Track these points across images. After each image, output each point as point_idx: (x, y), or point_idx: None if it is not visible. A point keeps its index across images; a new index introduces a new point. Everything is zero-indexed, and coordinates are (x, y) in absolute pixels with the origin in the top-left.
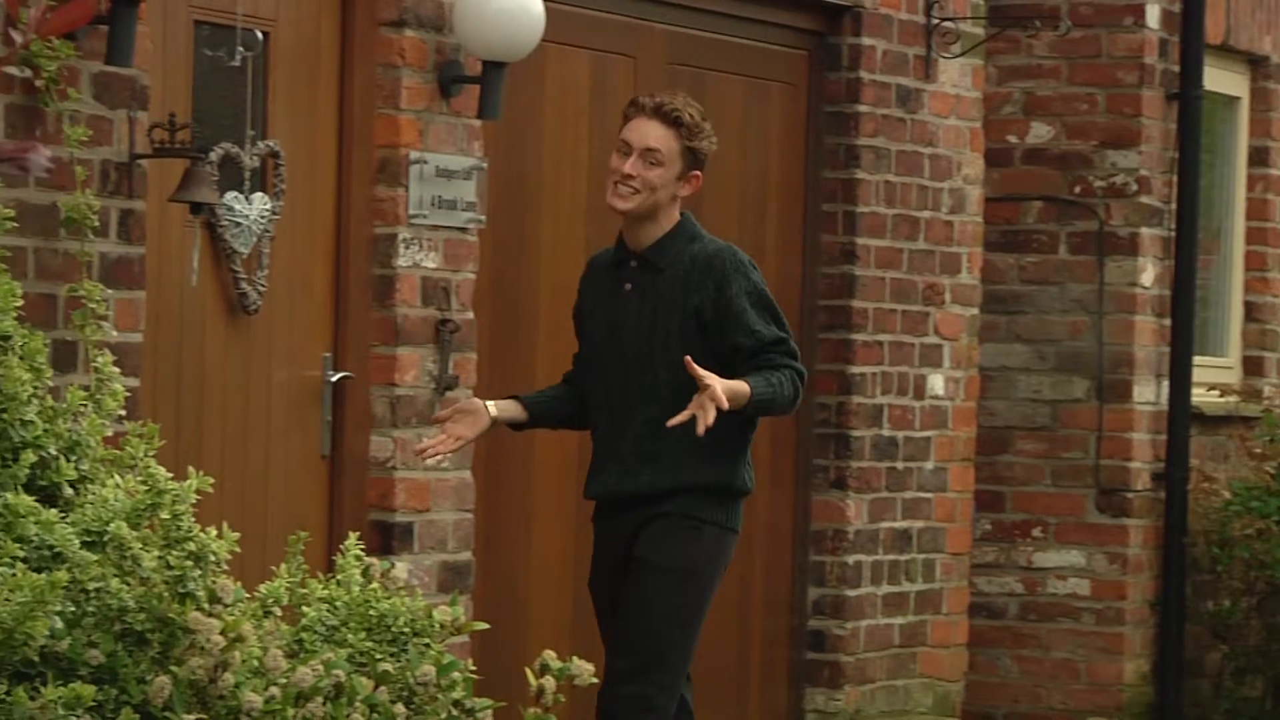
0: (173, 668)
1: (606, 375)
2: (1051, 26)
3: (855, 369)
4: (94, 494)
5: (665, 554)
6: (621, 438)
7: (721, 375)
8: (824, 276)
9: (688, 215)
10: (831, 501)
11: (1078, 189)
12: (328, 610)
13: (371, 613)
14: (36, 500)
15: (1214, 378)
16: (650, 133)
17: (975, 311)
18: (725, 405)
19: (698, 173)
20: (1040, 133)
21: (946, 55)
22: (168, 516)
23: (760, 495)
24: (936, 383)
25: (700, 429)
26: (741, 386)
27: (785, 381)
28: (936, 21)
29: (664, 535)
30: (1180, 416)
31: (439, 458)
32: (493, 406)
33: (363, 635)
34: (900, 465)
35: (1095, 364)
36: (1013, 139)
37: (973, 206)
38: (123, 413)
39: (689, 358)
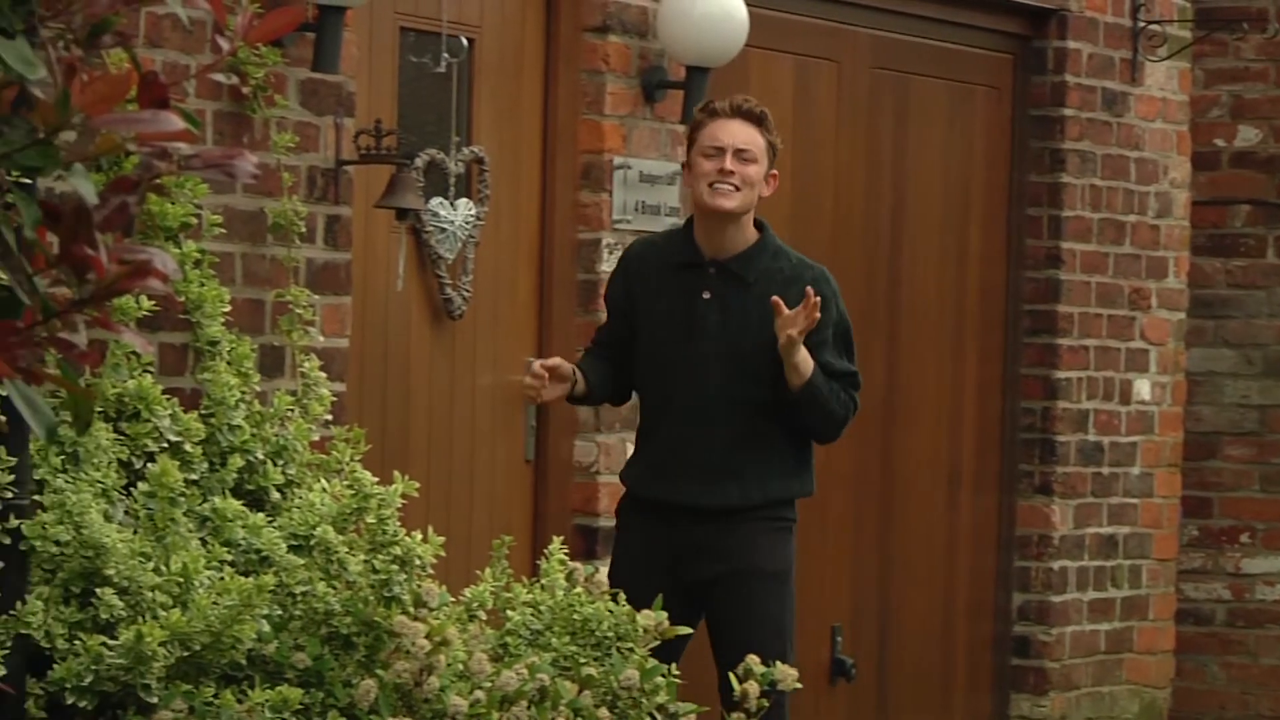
0: (378, 671)
1: (676, 380)
2: (1259, 29)
3: (1061, 374)
4: (300, 498)
5: (766, 559)
6: (694, 448)
7: (774, 393)
8: (1029, 281)
9: (767, 225)
10: (1037, 507)
11: None
12: (532, 614)
13: (575, 617)
14: (244, 504)
15: None
16: (738, 132)
17: (1182, 316)
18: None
19: (776, 171)
20: (1248, 136)
21: (1153, 58)
22: (373, 520)
23: (965, 500)
24: (1143, 388)
25: (784, 336)
26: (810, 361)
27: (843, 399)
28: (1143, 24)
29: (759, 541)
30: None
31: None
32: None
33: (567, 639)
34: (1106, 470)
35: None
36: (1220, 142)
37: (1179, 210)
38: (329, 417)
39: (775, 298)
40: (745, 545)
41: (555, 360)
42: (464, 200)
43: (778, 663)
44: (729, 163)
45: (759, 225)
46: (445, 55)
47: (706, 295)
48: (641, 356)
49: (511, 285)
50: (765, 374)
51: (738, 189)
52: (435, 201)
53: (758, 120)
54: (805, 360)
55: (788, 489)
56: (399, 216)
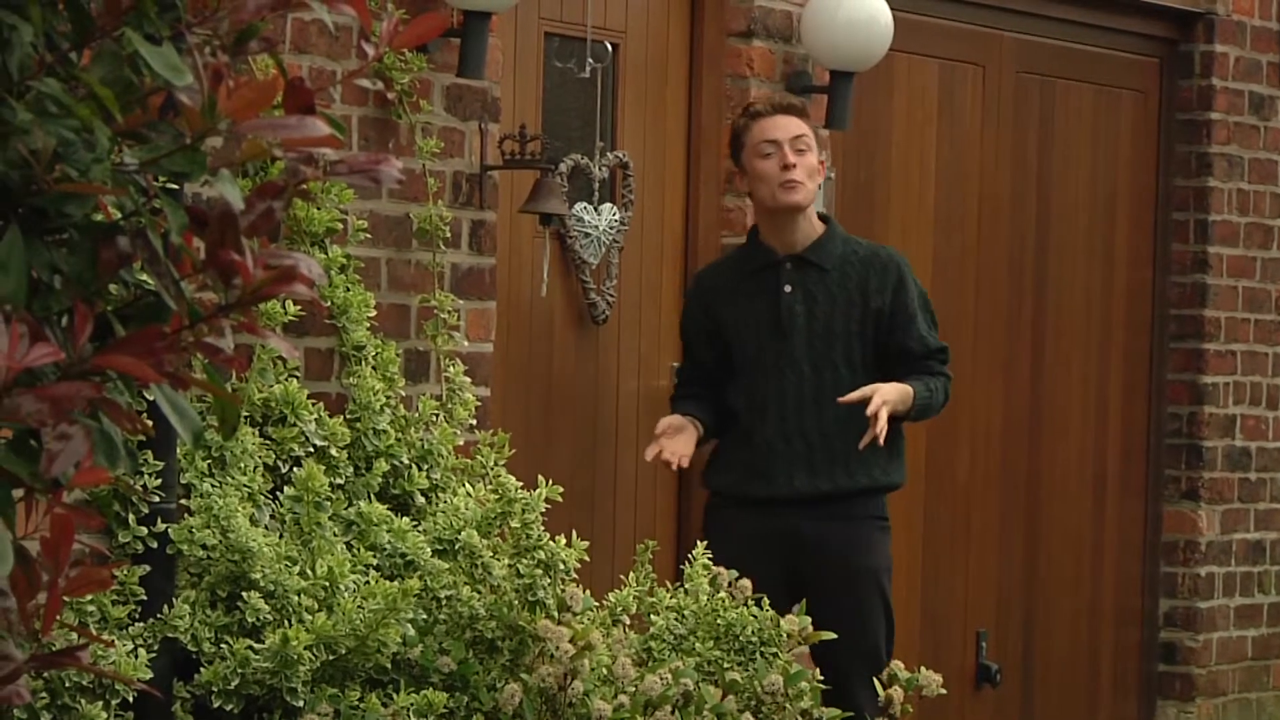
0: (523, 675)
1: (770, 379)
2: None
3: (1207, 379)
4: (445, 502)
5: (874, 557)
6: (795, 441)
7: (881, 374)
8: (1175, 285)
9: (830, 215)
10: (1183, 512)
11: None
12: (676, 619)
13: (719, 622)
14: (389, 508)
15: None
16: (788, 124)
17: None
18: (889, 411)
19: (823, 158)
20: None
21: None
22: (518, 525)
23: (1111, 505)
24: None
25: (865, 440)
26: (907, 390)
27: (939, 389)
28: None
29: (865, 538)
30: None
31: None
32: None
33: (710, 644)
34: (1253, 476)
35: None
36: None
37: None
38: (473, 422)
39: (841, 399)
40: (858, 542)
41: (665, 422)
42: (608, 205)
43: (921, 668)
44: (789, 156)
45: (823, 217)
46: (590, 60)
47: (788, 289)
48: (737, 367)
49: (655, 289)
50: (855, 357)
51: (803, 181)
52: (579, 206)
53: (800, 111)
54: (903, 396)
55: (887, 475)
56: (543, 221)
